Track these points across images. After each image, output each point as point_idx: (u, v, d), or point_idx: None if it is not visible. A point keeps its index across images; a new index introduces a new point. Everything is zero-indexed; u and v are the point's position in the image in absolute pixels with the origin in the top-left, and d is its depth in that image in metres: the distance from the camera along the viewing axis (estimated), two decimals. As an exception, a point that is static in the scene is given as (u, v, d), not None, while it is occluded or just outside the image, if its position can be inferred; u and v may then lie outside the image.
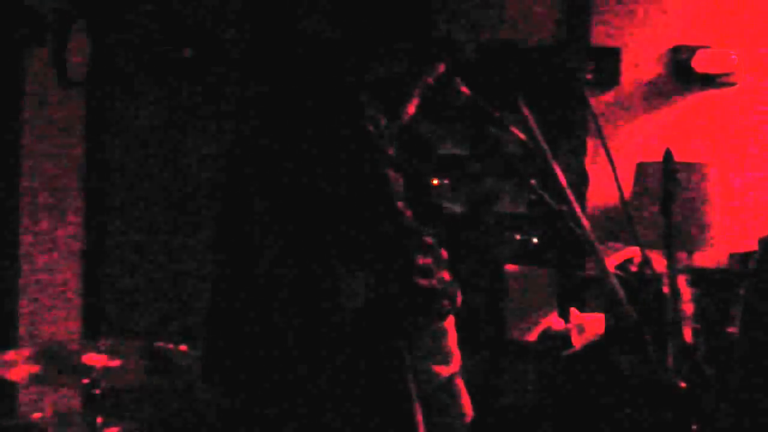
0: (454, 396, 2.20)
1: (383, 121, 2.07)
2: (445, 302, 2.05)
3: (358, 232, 2.02)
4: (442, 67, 2.27)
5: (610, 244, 3.58)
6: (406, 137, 2.27)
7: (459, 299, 2.09)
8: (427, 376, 2.16)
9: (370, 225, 2.01)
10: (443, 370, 2.18)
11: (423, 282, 2.00)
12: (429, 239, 2.04)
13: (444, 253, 2.06)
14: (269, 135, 2.14)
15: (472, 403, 2.26)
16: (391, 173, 2.03)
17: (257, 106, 2.23)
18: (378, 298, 2.04)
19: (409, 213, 2.03)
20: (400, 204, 2.02)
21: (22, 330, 4.16)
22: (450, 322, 2.16)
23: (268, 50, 4.39)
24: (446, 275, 2.05)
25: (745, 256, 4.03)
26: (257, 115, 2.21)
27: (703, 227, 3.76)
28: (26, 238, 4.21)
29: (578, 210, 2.32)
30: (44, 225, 4.32)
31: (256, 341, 2.12)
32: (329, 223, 2.03)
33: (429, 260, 2.01)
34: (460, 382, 2.23)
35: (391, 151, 2.07)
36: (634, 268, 3.37)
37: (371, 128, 2.04)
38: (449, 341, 2.19)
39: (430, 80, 2.26)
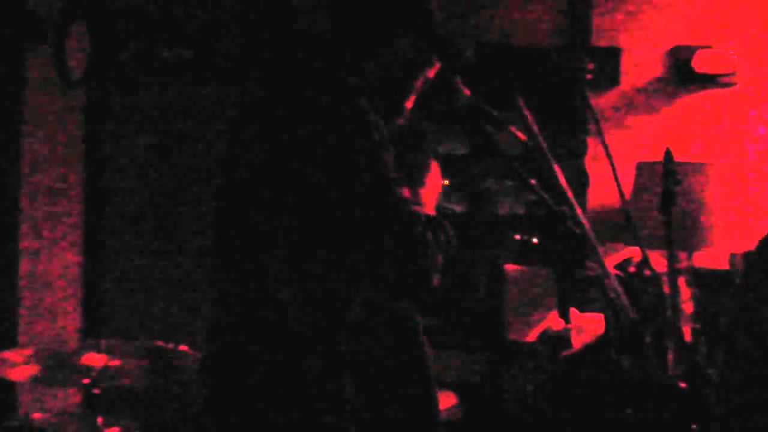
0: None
1: (381, 123, 2.07)
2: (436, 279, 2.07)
3: (361, 237, 2.01)
4: (438, 65, 2.27)
5: (610, 244, 3.58)
6: (404, 136, 2.27)
7: (438, 262, 2.10)
8: None
9: (378, 237, 2.00)
10: None
11: (436, 281, 2.02)
12: (428, 236, 2.04)
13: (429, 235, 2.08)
14: (267, 137, 2.14)
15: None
16: (392, 172, 2.03)
17: (255, 108, 2.23)
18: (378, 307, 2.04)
19: (415, 216, 2.03)
20: (406, 214, 2.02)
21: (22, 330, 4.17)
22: None
23: (266, 50, 4.40)
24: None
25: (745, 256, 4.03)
26: (255, 117, 2.21)
27: (703, 227, 3.76)
28: (26, 239, 4.21)
29: (578, 210, 2.32)
30: (44, 225, 4.32)
31: (256, 344, 2.11)
32: (330, 226, 2.03)
33: (436, 258, 2.03)
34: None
35: (389, 156, 2.06)
36: (632, 269, 3.37)
37: (376, 136, 2.03)
38: None
39: (431, 75, 2.26)
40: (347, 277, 2.05)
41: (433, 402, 2.14)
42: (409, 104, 2.26)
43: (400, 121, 2.25)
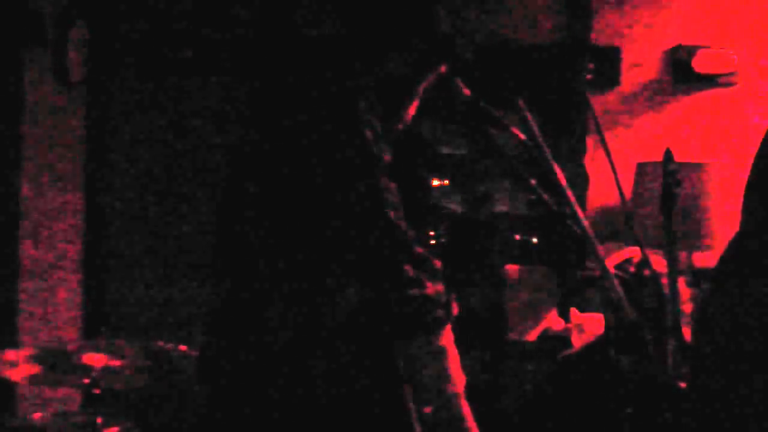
0: (455, 417, 2.13)
1: (380, 127, 2.06)
2: (439, 311, 2.01)
3: (350, 241, 2.01)
4: (443, 68, 2.26)
5: (610, 244, 3.58)
6: (406, 138, 2.27)
7: (455, 309, 2.06)
8: (428, 395, 2.10)
9: (361, 235, 1.99)
10: (445, 390, 2.12)
11: (413, 292, 1.98)
12: (420, 250, 2.01)
13: (438, 264, 2.03)
14: (267, 139, 2.14)
15: (473, 404, 2.25)
16: (386, 182, 2.01)
17: (257, 110, 2.23)
18: (369, 307, 2.02)
19: (402, 223, 2.01)
20: (392, 214, 2.00)
21: (22, 330, 4.17)
22: (449, 341, 2.11)
23: (268, 52, 4.40)
24: (440, 287, 2.02)
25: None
26: (257, 119, 2.21)
27: (703, 227, 3.76)
28: (27, 238, 4.21)
29: (578, 210, 2.32)
30: (44, 225, 4.32)
31: (253, 344, 2.11)
32: (324, 229, 2.03)
33: (420, 272, 1.99)
34: (464, 405, 2.15)
35: (387, 158, 2.05)
36: (632, 269, 3.37)
37: (369, 134, 2.02)
38: (450, 361, 2.12)
39: (432, 79, 2.26)
40: (337, 277, 2.05)
41: (407, 404, 2.11)
42: (412, 109, 2.26)
43: (401, 126, 2.25)
